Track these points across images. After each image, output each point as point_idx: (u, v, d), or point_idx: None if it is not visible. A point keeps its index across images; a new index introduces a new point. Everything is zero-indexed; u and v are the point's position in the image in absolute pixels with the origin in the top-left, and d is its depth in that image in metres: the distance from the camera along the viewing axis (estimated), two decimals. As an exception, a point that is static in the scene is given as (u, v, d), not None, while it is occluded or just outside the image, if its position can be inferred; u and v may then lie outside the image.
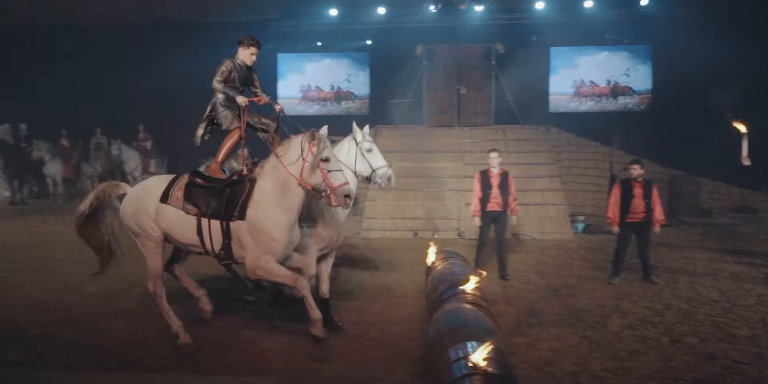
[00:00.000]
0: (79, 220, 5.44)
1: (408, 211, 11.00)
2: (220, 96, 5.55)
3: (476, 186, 7.90)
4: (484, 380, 3.57)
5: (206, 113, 5.64)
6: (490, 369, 3.67)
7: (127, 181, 14.65)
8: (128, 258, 5.73)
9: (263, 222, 4.94)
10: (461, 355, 3.87)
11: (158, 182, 5.43)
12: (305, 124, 5.39)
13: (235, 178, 5.18)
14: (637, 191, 7.43)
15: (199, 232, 5.10)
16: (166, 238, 5.35)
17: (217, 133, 5.73)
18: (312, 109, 15.56)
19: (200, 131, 5.65)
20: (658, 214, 7.47)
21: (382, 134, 12.54)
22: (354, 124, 5.84)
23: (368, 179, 5.81)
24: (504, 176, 7.81)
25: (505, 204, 7.76)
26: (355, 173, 5.73)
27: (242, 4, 14.94)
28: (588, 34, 14.41)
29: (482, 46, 13.28)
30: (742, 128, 7.74)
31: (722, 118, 9.98)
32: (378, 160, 5.77)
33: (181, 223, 5.16)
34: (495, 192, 7.75)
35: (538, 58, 14.44)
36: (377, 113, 14.09)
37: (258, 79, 5.80)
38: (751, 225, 11.09)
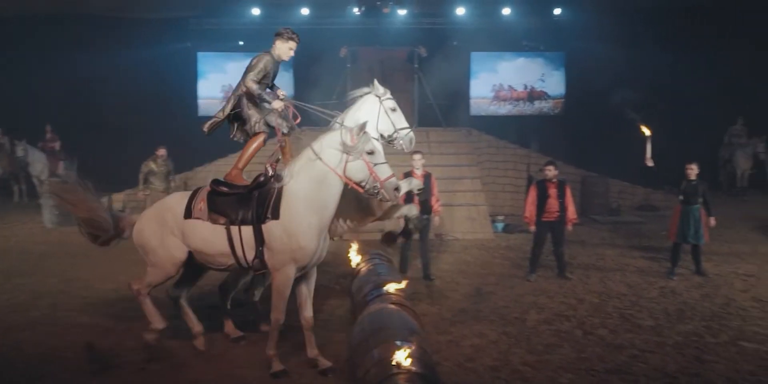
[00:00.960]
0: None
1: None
2: (250, 92, 5.05)
3: (401, 187, 8.00)
4: (407, 379, 3.63)
5: (228, 107, 5.12)
6: (413, 368, 3.74)
7: (33, 184, 13.84)
8: (34, 267, 5.39)
9: (295, 225, 4.65)
10: (385, 355, 3.92)
11: (178, 199, 5.12)
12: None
13: (261, 179, 4.82)
14: (552, 191, 7.77)
15: (230, 242, 4.79)
16: (192, 257, 5.04)
17: (224, 127, 5.26)
18: (234, 110, 15.23)
19: (209, 124, 5.15)
20: (571, 213, 7.85)
21: (306, 136, 12.46)
22: (375, 81, 5.55)
23: (388, 141, 5.49)
24: (427, 178, 7.95)
25: (429, 206, 7.90)
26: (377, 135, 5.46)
27: (161, 0, 14.43)
28: (506, 41, 14.98)
29: (405, 50, 13.50)
30: (646, 131, 8.29)
31: (629, 121, 10.66)
32: (402, 121, 5.42)
33: (209, 235, 4.84)
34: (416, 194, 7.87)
35: (460, 62, 14.85)
36: (300, 115, 13.96)
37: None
38: (653, 222, 11.88)
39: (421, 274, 7.89)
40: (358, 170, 4.66)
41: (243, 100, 5.09)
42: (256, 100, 5.06)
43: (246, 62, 5.14)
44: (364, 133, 4.66)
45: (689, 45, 13.56)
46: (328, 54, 13.53)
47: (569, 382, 4.73)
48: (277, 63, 5.21)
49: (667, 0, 13.45)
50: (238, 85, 5.09)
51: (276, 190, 4.74)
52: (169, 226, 4.97)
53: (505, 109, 15.58)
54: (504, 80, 15.52)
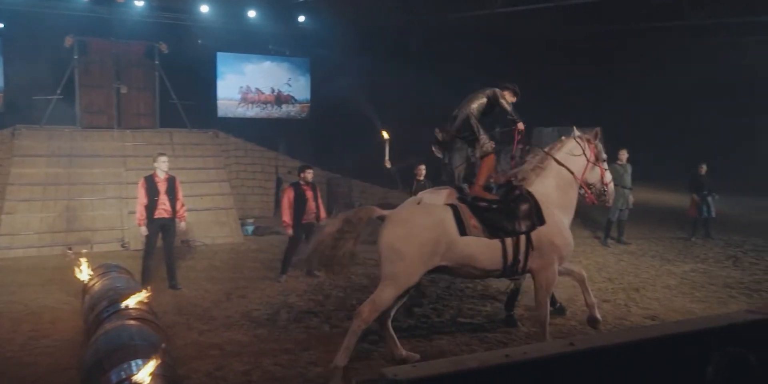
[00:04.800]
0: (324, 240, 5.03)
1: (59, 223, 9.71)
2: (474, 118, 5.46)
3: (141, 192, 7.46)
4: (149, 398, 3.41)
5: (453, 130, 5.56)
6: (156, 385, 3.52)
7: None
8: None
9: (558, 227, 5.15)
10: (123, 376, 3.62)
11: (440, 213, 5.01)
12: None
13: (516, 192, 5.20)
14: (309, 194, 8.06)
15: (504, 253, 5.00)
16: (445, 268, 5.08)
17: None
18: None
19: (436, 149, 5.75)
20: (323, 213, 8.25)
21: (22, 135, 10.80)
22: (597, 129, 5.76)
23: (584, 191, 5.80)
24: (171, 181, 7.56)
25: (174, 210, 7.51)
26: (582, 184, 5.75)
27: None
28: (253, 43, 14.95)
29: (144, 44, 12.56)
30: (385, 135, 9.10)
31: (370, 125, 11.55)
32: (609, 174, 5.81)
33: (486, 249, 5.00)
34: (163, 198, 7.44)
35: (205, 61, 14.38)
36: (15, 111, 12.01)
37: None
38: (391, 219, 13.08)
39: (167, 284, 7.46)
40: (594, 175, 5.50)
41: (472, 121, 5.46)
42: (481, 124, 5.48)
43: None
44: (600, 139, 5.43)
45: (416, 59, 15.26)
46: (50, 42, 11.86)
47: (317, 376, 4.94)
48: (495, 105, 5.61)
49: (396, 20, 14.93)
50: (465, 108, 5.53)
51: (533, 199, 5.14)
52: (443, 243, 4.90)
53: (253, 111, 15.54)
54: (251, 83, 15.46)
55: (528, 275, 5.49)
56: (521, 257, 5.10)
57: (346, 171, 14.37)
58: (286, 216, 7.98)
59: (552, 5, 13.06)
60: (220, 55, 15.01)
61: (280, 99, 15.82)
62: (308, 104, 16.13)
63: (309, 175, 8.14)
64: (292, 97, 16.00)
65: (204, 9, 13.83)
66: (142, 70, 12.49)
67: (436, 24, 15.32)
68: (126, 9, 12.95)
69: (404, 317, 6.42)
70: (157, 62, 12.38)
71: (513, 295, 6.45)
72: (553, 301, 6.37)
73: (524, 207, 5.13)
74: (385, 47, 14.85)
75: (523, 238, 5.09)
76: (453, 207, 5.11)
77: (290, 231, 8.01)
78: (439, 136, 5.84)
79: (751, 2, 13.05)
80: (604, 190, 5.60)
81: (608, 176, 5.65)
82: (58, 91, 11.56)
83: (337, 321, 6.36)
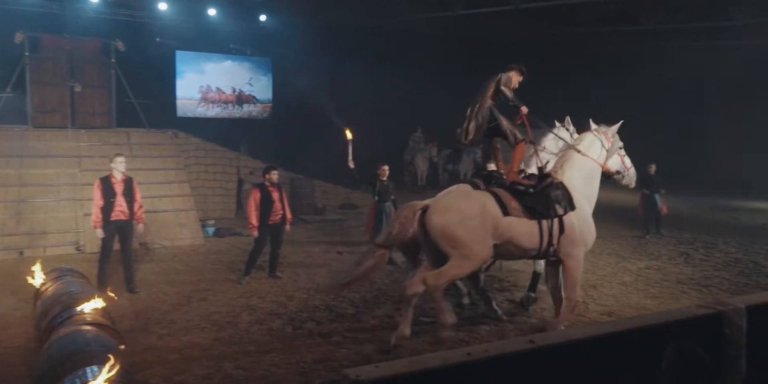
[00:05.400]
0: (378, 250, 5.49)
1: (9, 226, 9.36)
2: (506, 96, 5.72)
3: (97, 194, 7.25)
4: (105, 405, 3.32)
5: (480, 118, 5.69)
6: (113, 392, 3.43)
7: None
8: None
9: (584, 214, 5.57)
10: (78, 383, 3.51)
11: (481, 197, 5.43)
12: None
13: (549, 180, 5.52)
14: (275, 195, 7.98)
15: (541, 234, 5.38)
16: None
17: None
18: None
19: (475, 134, 5.72)
20: (288, 213, 8.19)
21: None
22: (620, 124, 6.10)
23: (608, 176, 6.10)
24: (128, 182, 7.38)
25: (131, 212, 7.34)
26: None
27: None
28: (213, 42, 14.73)
29: (99, 41, 12.20)
30: (348, 135, 9.08)
31: (332, 125, 11.50)
32: (628, 160, 6.17)
33: (526, 229, 5.37)
34: (119, 200, 7.25)
35: (164, 60, 14.09)
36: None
37: None
38: (353, 219, 13.10)
39: (124, 287, 7.28)
40: (615, 163, 6.01)
41: (495, 112, 5.75)
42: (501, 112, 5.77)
43: None
44: (616, 134, 5.98)
45: (378, 60, 15.28)
46: (-3, 39, 11.42)
47: (281, 378, 4.90)
48: (500, 85, 5.78)
49: (358, 20, 14.93)
50: (484, 100, 5.73)
51: (564, 187, 5.52)
52: (489, 222, 5.27)
53: (213, 111, 15.31)
54: (212, 82, 15.23)
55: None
56: (555, 240, 5.49)
57: (309, 171, 14.28)
58: (252, 218, 7.87)
59: (511, 8, 13.28)
60: (179, 53, 14.75)
61: (241, 99, 15.63)
62: (270, 104, 15.99)
63: (274, 176, 8.06)
64: (254, 97, 15.84)
65: (162, 6, 13.56)
66: (97, 68, 12.12)
67: (399, 25, 15.39)
68: (80, 5, 12.59)
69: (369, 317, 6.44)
70: (113, 60, 12.03)
71: (535, 279, 6.94)
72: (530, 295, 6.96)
73: (557, 193, 5.52)
74: (347, 47, 14.83)
75: (556, 221, 5.48)
76: (491, 192, 5.51)
77: (255, 233, 7.92)
78: (465, 135, 5.91)
79: (700, 10, 13.59)
80: (624, 175, 6.17)
81: (628, 161, 6.18)
82: (8, 89, 11.14)
83: (300, 322, 6.31)
